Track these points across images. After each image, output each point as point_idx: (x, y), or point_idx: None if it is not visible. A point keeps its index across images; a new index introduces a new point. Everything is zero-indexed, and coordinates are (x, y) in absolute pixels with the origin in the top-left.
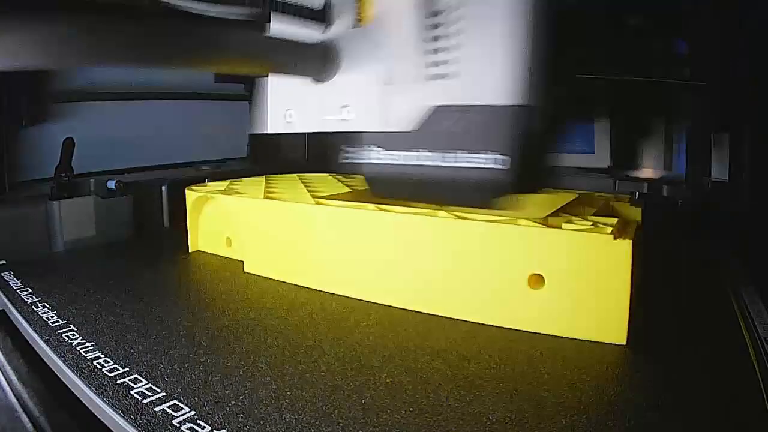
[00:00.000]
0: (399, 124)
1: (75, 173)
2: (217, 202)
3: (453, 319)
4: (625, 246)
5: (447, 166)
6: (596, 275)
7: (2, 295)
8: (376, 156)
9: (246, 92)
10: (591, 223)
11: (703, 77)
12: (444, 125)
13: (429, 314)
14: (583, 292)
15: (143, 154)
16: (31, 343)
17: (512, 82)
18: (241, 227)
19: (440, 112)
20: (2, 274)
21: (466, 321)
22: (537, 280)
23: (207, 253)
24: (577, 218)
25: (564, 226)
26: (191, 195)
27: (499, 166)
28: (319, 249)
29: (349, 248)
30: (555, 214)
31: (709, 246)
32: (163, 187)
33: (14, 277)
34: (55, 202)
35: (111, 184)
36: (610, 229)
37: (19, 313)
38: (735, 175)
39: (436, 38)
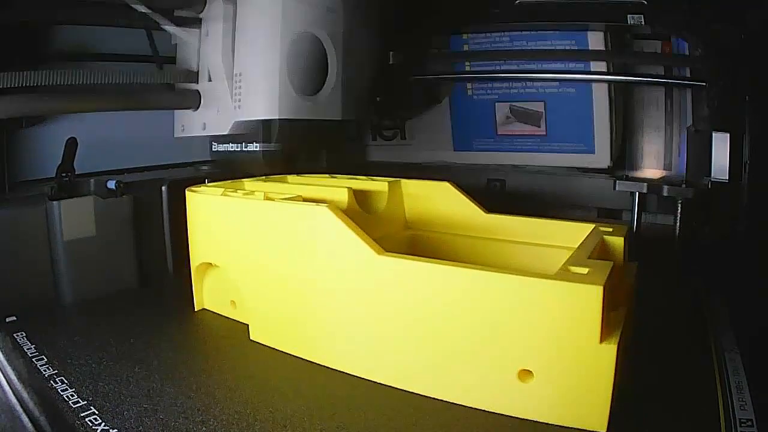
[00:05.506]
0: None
1: (75, 173)
2: (221, 271)
3: (445, 402)
4: (611, 350)
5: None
6: (581, 372)
7: (22, 366)
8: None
9: None
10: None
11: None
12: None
13: (423, 396)
14: (568, 386)
15: (143, 154)
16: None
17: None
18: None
19: (239, 122)
20: (15, 335)
21: (457, 404)
22: (526, 374)
23: (212, 312)
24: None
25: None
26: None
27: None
28: (317, 318)
29: (346, 324)
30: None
31: (700, 290)
32: (163, 188)
33: (27, 340)
34: (55, 202)
35: (111, 184)
36: (598, 335)
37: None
38: (735, 175)
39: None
